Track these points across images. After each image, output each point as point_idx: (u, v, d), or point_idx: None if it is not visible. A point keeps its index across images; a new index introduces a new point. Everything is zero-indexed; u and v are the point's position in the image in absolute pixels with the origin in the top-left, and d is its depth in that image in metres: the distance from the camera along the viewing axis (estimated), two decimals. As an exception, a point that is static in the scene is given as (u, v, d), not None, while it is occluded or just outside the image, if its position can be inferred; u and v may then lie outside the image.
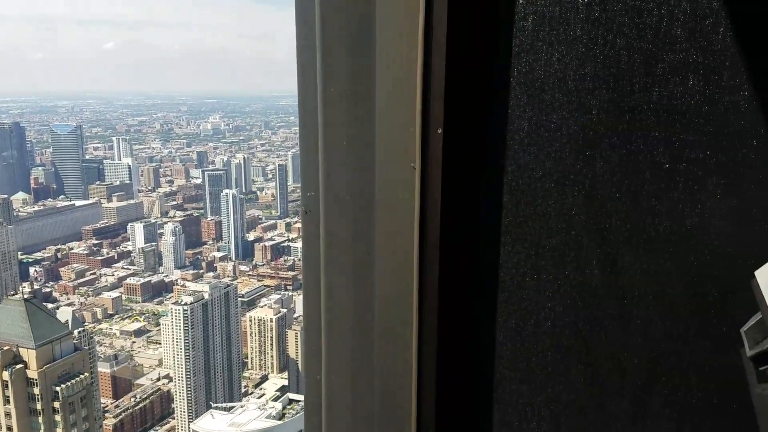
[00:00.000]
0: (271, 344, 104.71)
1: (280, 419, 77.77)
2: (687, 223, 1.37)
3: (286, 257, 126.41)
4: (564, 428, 1.56)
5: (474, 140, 1.50)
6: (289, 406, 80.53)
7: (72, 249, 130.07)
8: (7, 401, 68.52)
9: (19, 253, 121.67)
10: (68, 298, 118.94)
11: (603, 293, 1.48)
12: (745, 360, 1.11)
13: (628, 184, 1.40)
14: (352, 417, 1.76)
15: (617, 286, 1.45)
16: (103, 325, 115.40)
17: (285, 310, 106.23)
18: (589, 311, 1.50)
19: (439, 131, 1.45)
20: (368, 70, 1.50)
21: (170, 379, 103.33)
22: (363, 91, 1.52)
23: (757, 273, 1.20)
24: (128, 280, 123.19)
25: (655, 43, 1.32)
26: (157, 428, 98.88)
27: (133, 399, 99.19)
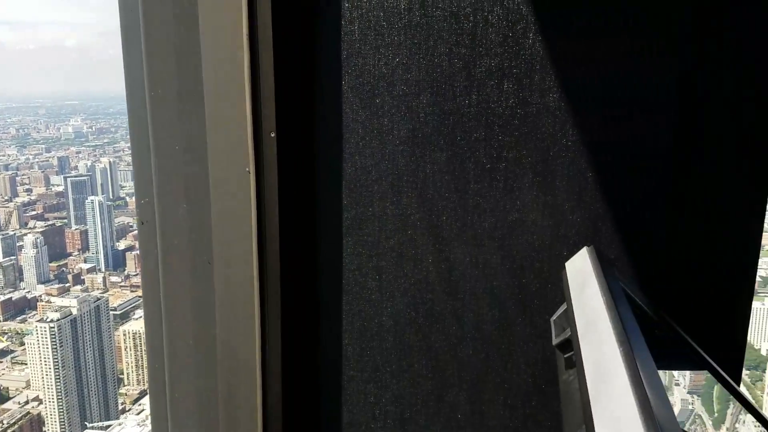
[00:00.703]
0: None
1: (162, 435, 74.10)
2: (509, 219, 1.46)
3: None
4: (409, 423, 1.60)
5: (309, 143, 1.50)
6: (171, 421, 76.88)
7: None
8: None
9: None
10: None
11: (440, 289, 1.53)
12: (554, 348, 1.19)
13: (455, 183, 1.46)
14: (197, 429, 1.70)
15: (450, 281, 1.51)
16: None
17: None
18: (427, 307, 1.55)
19: (273, 134, 1.43)
20: (195, 72, 1.45)
21: (40, 402, 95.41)
22: (190, 94, 1.47)
23: (567, 264, 1.30)
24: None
25: (472, 48, 1.38)
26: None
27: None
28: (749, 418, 1.35)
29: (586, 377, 0.77)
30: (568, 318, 1.09)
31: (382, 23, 1.41)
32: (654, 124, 1.34)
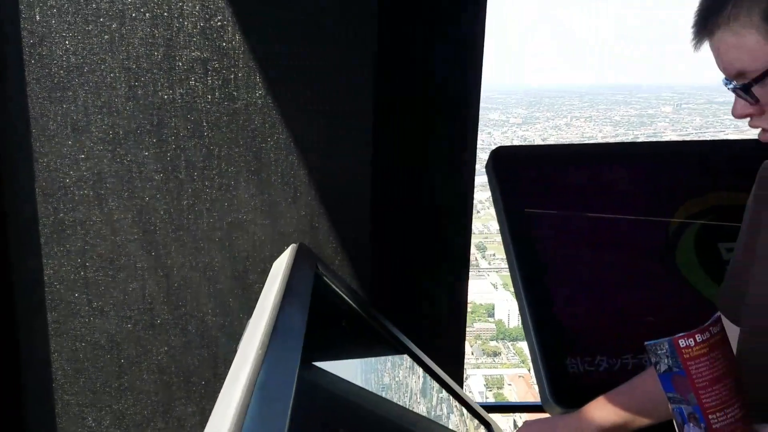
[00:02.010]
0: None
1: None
2: (227, 219, 1.40)
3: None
4: None
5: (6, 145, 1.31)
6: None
7: None
8: None
9: None
10: None
11: (159, 298, 1.43)
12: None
13: (166, 184, 1.37)
14: None
15: (170, 288, 1.42)
16: None
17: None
18: (146, 318, 1.44)
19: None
20: None
21: None
22: None
23: (275, 263, 1.27)
24: None
25: (170, 39, 1.30)
26: None
27: None
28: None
29: (227, 379, 0.73)
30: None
31: (67, 8, 1.27)
32: (354, 125, 1.36)
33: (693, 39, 0.83)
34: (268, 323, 0.85)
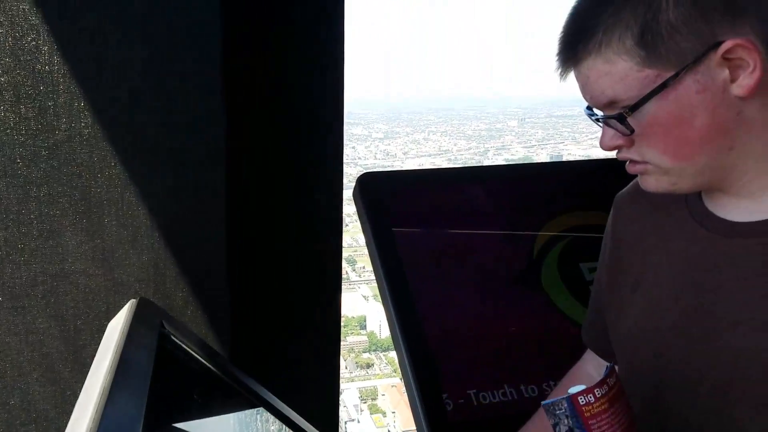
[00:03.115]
0: None
1: None
2: (50, 271, 1.18)
3: None
4: None
5: None
6: None
7: None
8: None
9: None
10: None
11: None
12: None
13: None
14: None
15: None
16: None
17: None
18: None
19: None
20: None
21: None
22: None
23: (110, 324, 1.08)
24: None
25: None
26: None
27: None
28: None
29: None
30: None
31: None
32: (204, 154, 1.22)
33: (559, 68, 0.78)
34: (100, 400, 0.70)
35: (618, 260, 0.95)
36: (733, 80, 0.70)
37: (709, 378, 0.76)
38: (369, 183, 1.66)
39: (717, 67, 0.70)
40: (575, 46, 0.76)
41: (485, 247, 1.65)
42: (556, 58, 0.79)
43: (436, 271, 1.61)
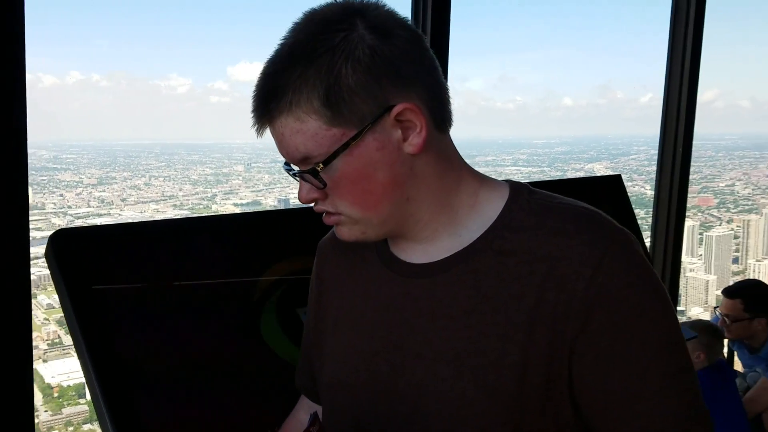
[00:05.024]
0: None
1: None
2: None
3: None
4: None
5: None
6: None
7: None
8: None
9: None
10: None
11: None
12: None
13: None
14: None
15: None
16: None
17: None
18: None
19: None
20: None
21: None
22: None
23: None
24: None
25: None
26: None
27: None
28: None
29: None
30: None
31: None
32: None
33: (255, 124, 0.80)
34: None
35: (321, 303, 0.99)
36: (405, 139, 0.79)
37: (397, 414, 0.81)
38: (63, 240, 1.49)
39: (391, 127, 0.78)
40: (268, 104, 0.78)
41: (208, 304, 1.59)
42: (252, 115, 0.80)
43: (147, 327, 1.50)
